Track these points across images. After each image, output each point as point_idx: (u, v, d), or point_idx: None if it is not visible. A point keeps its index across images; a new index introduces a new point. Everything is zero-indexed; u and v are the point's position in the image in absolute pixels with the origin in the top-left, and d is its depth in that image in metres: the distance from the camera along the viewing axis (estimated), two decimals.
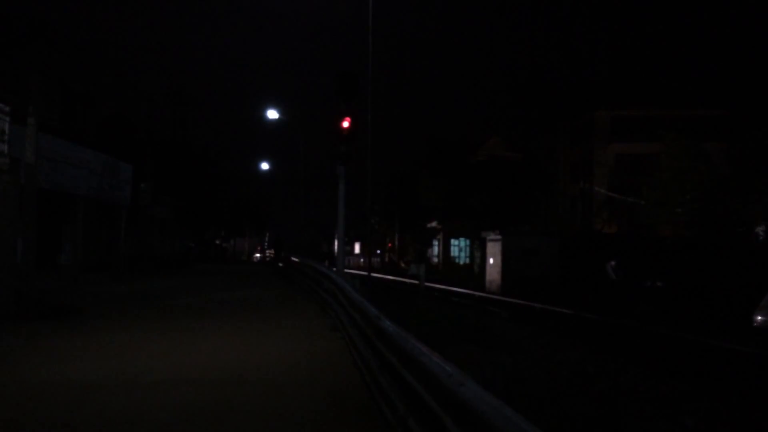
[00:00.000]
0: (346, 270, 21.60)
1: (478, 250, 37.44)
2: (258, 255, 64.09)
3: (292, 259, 30.90)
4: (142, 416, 6.17)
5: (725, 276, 20.72)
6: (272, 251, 45.78)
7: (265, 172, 46.19)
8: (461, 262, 44.33)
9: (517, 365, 9.60)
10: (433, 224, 47.03)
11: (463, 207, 42.05)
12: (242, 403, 6.71)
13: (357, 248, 69.35)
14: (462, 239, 44.57)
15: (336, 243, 19.69)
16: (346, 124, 15.49)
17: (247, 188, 63.56)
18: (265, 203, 69.31)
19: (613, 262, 27.05)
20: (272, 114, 29.56)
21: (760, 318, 14.52)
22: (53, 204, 21.18)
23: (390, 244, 58.40)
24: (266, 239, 72.87)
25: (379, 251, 59.39)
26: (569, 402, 7.74)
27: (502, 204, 39.43)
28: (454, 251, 45.62)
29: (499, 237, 29.32)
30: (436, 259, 46.97)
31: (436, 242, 47.84)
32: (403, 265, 48.42)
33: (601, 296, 23.07)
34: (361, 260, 55.50)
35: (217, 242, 40.62)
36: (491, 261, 29.90)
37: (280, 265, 34.09)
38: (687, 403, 8.17)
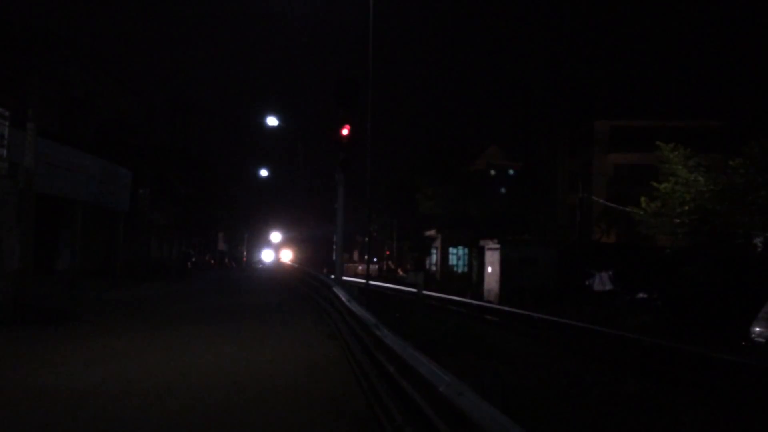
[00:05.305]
0: (344, 278, 21.57)
1: (477, 258, 37.41)
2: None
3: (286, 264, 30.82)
4: (137, 423, 6.14)
5: (723, 287, 20.68)
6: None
7: (265, 178, 46.16)
8: (459, 271, 44.26)
9: (515, 374, 9.59)
10: (432, 232, 47.00)
11: (462, 215, 42.06)
12: (239, 410, 6.69)
13: (355, 256, 69.29)
14: (460, 248, 44.51)
15: (335, 250, 19.67)
16: (345, 131, 15.55)
17: (247, 193, 63.51)
18: (267, 209, 69.06)
19: (610, 272, 27.03)
20: (272, 121, 29.57)
21: (758, 329, 14.50)
22: (51, 209, 21.12)
23: (388, 252, 58.34)
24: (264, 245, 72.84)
25: (376, 259, 59.28)
26: (567, 411, 7.73)
27: (500, 213, 39.45)
28: (453, 260, 45.51)
29: (497, 246, 29.32)
30: (434, 268, 46.89)
31: (434, 250, 47.76)
32: (401, 273, 48.33)
33: (599, 307, 23.03)
34: (359, 268, 55.38)
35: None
36: (489, 270, 29.88)
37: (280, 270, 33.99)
38: (683, 414, 8.16)
